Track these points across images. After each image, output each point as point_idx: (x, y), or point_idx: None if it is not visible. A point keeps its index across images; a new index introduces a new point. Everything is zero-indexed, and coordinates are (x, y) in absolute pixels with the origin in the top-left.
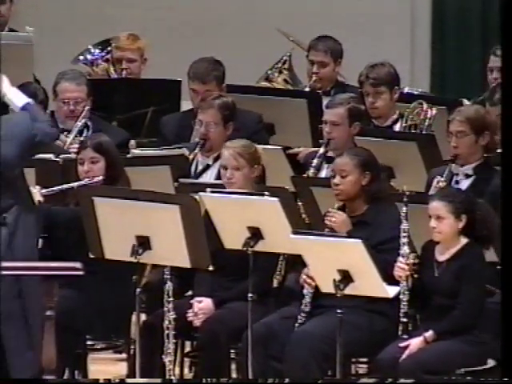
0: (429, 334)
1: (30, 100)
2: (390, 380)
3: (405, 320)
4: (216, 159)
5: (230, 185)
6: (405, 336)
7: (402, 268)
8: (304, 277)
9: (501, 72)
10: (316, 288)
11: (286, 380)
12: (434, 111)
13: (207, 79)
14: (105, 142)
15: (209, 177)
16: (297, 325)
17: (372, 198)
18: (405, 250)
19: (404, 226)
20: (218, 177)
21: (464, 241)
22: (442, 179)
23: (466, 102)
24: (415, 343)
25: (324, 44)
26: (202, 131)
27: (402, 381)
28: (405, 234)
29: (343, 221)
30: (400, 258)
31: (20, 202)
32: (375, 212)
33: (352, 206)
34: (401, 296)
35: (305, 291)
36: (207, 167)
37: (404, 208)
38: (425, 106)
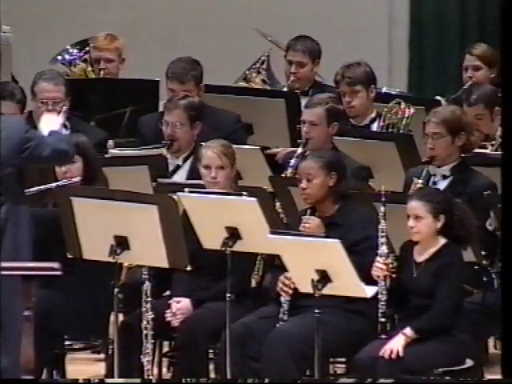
0: (407, 330)
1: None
2: (369, 380)
3: (383, 320)
4: (186, 159)
5: (213, 184)
6: (383, 336)
7: (380, 268)
8: (281, 285)
9: (501, 72)
10: (295, 289)
11: (266, 380)
12: (412, 110)
13: (185, 79)
14: (82, 143)
15: (180, 177)
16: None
17: (340, 197)
18: (383, 249)
19: (382, 226)
20: (189, 177)
21: (442, 241)
22: (420, 181)
23: (439, 98)
24: (396, 342)
25: (302, 44)
26: (168, 132)
27: (381, 381)
28: (383, 234)
29: (317, 226)
30: (378, 258)
31: (11, 200)
32: (346, 212)
33: (322, 208)
34: (379, 296)
35: (282, 299)
36: (177, 168)
37: (382, 208)
38: (403, 105)
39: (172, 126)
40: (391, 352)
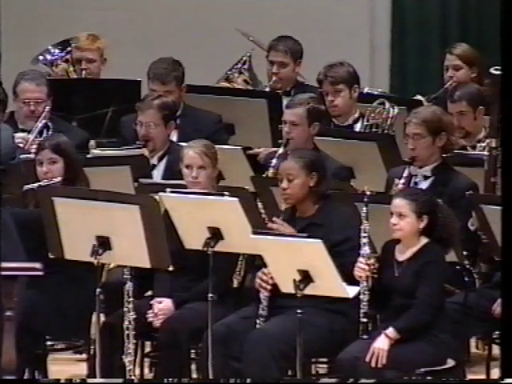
0: (389, 331)
1: None
2: (351, 380)
3: (365, 320)
4: (161, 159)
5: (194, 184)
6: (365, 336)
7: (362, 268)
8: (259, 281)
9: (501, 72)
10: (276, 288)
11: (248, 380)
12: (396, 111)
13: (167, 80)
14: (63, 143)
15: (155, 177)
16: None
17: (321, 197)
18: (365, 250)
19: (364, 226)
20: (165, 176)
21: (424, 241)
22: (401, 182)
23: (422, 99)
24: (379, 344)
25: (284, 44)
26: (142, 132)
27: (363, 381)
28: (365, 235)
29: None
30: (360, 259)
31: None
32: (326, 212)
33: (302, 208)
34: (361, 296)
35: (261, 295)
36: (153, 167)
37: (364, 208)
38: (387, 105)
39: (146, 126)
40: (377, 357)
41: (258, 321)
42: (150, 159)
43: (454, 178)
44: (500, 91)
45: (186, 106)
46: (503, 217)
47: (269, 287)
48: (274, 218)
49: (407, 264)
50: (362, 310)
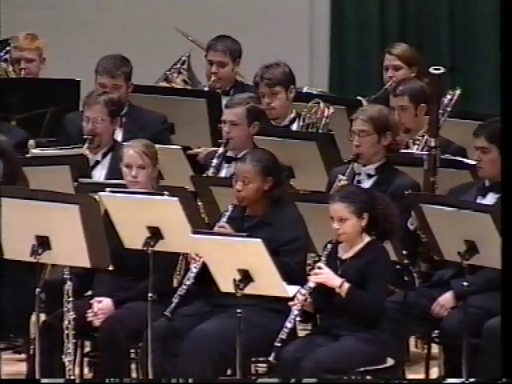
0: (346, 285)
1: None
2: (293, 380)
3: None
4: (105, 155)
5: (134, 184)
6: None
7: (298, 300)
8: (193, 254)
9: (500, 72)
10: (216, 287)
11: (190, 380)
12: (331, 110)
13: (116, 73)
14: (2, 142)
15: (99, 173)
16: (176, 299)
17: (274, 201)
18: (309, 284)
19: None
20: (109, 172)
21: (367, 239)
22: (344, 178)
23: (362, 100)
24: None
25: (222, 44)
26: (88, 128)
27: (305, 381)
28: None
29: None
30: (302, 290)
31: None
32: (276, 212)
33: (253, 207)
34: (287, 323)
35: (191, 266)
36: (96, 163)
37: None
38: (321, 105)
39: (93, 122)
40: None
41: (181, 287)
42: (92, 156)
43: (397, 178)
44: (500, 91)
45: (131, 105)
46: (503, 216)
47: (201, 260)
48: (222, 224)
49: (350, 262)
50: (281, 333)
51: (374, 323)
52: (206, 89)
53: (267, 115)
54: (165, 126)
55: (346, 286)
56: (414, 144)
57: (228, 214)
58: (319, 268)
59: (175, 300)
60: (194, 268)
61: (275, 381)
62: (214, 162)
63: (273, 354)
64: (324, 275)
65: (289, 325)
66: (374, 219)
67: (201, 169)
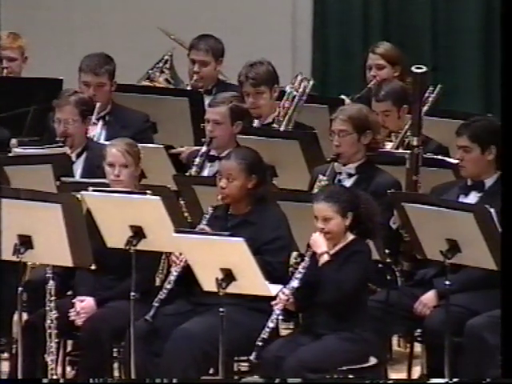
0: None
1: None
2: (277, 380)
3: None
4: (79, 155)
5: (117, 183)
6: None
7: (281, 299)
8: (173, 257)
9: (500, 72)
10: (199, 286)
11: (174, 380)
12: (311, 82)
13: (100, 71)
14: None
15: (74, 173)
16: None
17: (258, 199)
18: (294, 283)
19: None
20: (84, 172)
21: (351, 237)
22: (325, 178)
23: (343, 97)
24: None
25: (205, 43)
26: (60, 129)
27: (290, 381)
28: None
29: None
30: (285, 290)
31: None
32: (259, 212)
33: (236, 206)
34: (269, 322)
35: (172, 269)
36: (71, 164)
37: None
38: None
39: (64, 123)
40: None
41: (161, 292)
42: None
43: (378, 176)
44: (500, 91)
45: (114, 104)
46: (503, 216)
47: (182, 263)
48: (202, 226)
49: (333, 257)
50: (262, 333)
51: (336, 303)
52: (189, 88)
53: (251, 114)
54: (147, 124)
55: (326, 257)
56: (390, 142)
57: (208, 216)
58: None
59: (156, 304)
60: (175, 271)
61: (260, 381)
62: (197, 160)
63: (254, 354)
64: (314, 237)
65: (271, 324)
66: (358, 218)
67: (183, 168)
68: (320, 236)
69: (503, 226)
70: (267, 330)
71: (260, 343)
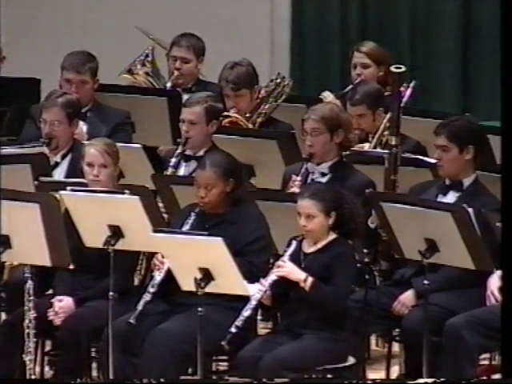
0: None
1: None
2: (264, 380)
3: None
4: (64, 156)
5: (95, 182)
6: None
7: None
8: (156, 261)
9: (500, 72)
10: (177, 286)
11: (153, 380)
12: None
13: (82, 69)
14: None
15: (58, 175)
16: (140, 306)
17: (236, 200)
18: (270, 278)
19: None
20: (68, 174)
21: (333, 236)
22: (298, 178)
23: (328, 93)
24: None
25: (187, 40)
26: (46, 130)
27: (276, 380)
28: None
29: None
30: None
31: None
32: (237, 211)
33: (215, 208)
34: (244, 311)
35: (155, 273)
36: (56, 165)
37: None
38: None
39: (50, 125)
40: None
41: (144, 295)
42: (51, 157)
43: (351, 176)
44: (501, 92)
45: (95, 101)
46: (503, 217)
47: (164, 268)
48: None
49: (314, 256)
50: (237, 320)
51: (337, 318)
52: (169, 85)
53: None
54: (128, 120)
55: (310, 280)
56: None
57: (190, 221)
58: (283, 262)
59: (139, 308)
60: (158, 276)
61: (249, 381)
62: (173, 160)
63: (226, 339)
64: (286, 268)
65: (245, 313)
66: (341, 218)
67: (162, 167)
68: (289, 263)
69: (503, 225)
70: (241, 318)
71: (233, 330)
